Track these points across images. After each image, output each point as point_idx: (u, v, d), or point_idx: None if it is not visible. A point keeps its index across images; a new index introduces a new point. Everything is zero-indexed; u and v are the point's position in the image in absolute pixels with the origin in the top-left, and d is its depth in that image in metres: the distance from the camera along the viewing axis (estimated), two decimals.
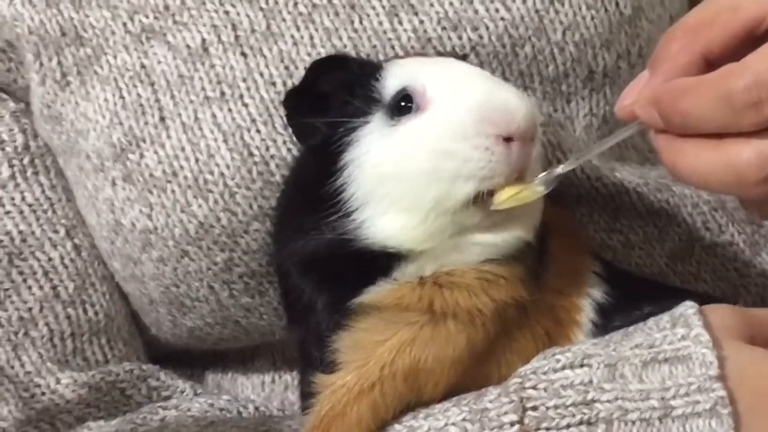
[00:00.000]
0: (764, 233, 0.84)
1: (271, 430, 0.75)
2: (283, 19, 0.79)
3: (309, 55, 0.77)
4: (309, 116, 0.71)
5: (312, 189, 0.69)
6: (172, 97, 0.78)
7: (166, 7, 0.79)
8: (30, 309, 0.80)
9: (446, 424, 0.66)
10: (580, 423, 0.64)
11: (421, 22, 0.78)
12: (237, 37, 0.78)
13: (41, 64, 0.81)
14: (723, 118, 0.58)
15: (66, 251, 0.82)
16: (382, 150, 0.67)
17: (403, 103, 0.67)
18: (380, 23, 0.78)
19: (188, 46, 0.78)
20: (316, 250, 0.68)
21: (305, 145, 0.73)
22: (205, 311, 0.81)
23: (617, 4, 0.81)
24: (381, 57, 0.77)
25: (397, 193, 0.66)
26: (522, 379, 0.66)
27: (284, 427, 0.75)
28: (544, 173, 0.67)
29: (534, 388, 0.65)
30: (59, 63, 0.81)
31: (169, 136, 0.77)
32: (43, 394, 0.78)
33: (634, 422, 0.63)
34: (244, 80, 0.77)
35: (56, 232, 0.82)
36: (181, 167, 0.77)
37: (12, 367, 0.79)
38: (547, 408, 0.64)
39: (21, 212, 0.81)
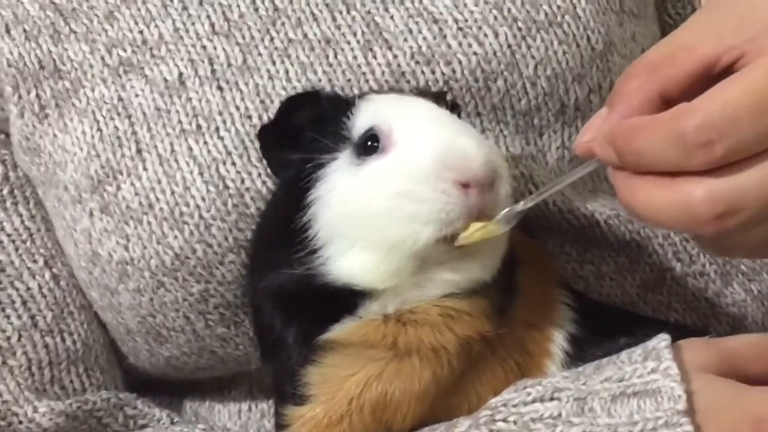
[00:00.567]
0: (735, 264, 0.84)
1: None
2: (260, 54, 0.79)
3: (284, 89, 0.78)
4: (283, 151, 0.72)
5: (284, 223, 0.69)
6: (149, 129, 0.78)
7: (144, 42, 0.80)
8: (8, 338, 0.80)
9: None
10: None
11: (395, 56, 0.79)
12: (213, 71, 0.79)
13: (20, 97, 0.81)
14: (675, 158, 0.58)
15: (44, 281, 0.82)
16: (347, 188, 0.67)
17: (369, 143, 0.68)
18: (355, 58, 0.79)
19: (165, 80, 0.79)
20: (286, 284, 0.69)
21: (279, 178, 0.74)
22: (182, 341, 0.81)
23: (588, 39, 0.81)
24: (355, 91, 0.78)
25: (360, 232, 0.67)
26: (492, 412, 0.66)
27: None
28: (505, 209, 0.67)
29: (504, 420, 0.66)
30: (38, 96, 0.81)
31: (145, 168, 0.77)
32: (20, 422, 0.78)
33: None
34: (220, 113, 0.77)
35: (35, 261, 0.82)
36: (158, 199, 0.77)
37: None
38: None
39: (0, 242, 0.82)
